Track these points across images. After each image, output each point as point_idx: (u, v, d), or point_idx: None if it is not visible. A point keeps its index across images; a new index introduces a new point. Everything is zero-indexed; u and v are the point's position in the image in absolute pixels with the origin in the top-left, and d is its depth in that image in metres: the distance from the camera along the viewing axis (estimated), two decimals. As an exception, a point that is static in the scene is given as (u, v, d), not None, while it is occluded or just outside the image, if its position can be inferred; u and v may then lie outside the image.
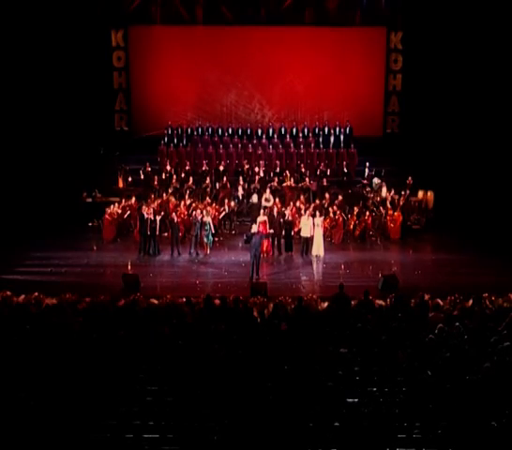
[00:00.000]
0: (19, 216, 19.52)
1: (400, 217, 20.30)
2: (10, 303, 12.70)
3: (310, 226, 18.52)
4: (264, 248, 18.14)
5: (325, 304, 13.13)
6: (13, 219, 19.29)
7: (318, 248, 18.53)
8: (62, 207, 20.64)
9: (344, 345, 9.69)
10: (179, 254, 18.46)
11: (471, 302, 12.63)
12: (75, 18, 22.67)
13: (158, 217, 18.55)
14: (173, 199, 20.68)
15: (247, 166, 22.84)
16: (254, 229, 17.14)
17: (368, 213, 20.35)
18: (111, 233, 19.86)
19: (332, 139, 24.15)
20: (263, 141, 24.02)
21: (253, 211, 20.38)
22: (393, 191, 21.45)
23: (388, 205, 20.68)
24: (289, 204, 20.14)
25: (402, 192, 21.38)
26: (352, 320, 11.24)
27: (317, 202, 20.50)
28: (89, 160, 22.67)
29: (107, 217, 19.83)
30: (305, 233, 18.55)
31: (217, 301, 12.61)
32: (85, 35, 23.10)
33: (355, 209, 20.43)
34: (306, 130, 24.33)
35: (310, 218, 18.66)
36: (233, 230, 20.55)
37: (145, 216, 18.53)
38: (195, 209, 19.27)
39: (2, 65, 21.08)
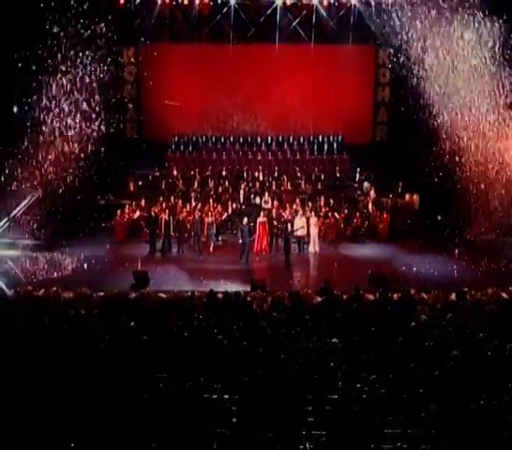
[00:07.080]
0: (41, 218, 19.50)
1: (388, 219, 20.35)
2: (31, 297, 12.70)
3: (303, 226, 18.67)
4: (263, 247, 18.42)
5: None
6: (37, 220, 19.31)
7: (313, 246, 18.83)
8: (79, 209, 20.58)
9: (336, 336, 9.68)
10: (183, 252, 18.57)
11: (453, 296, 12.62)
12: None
13: (166, 219, 18.63)
14: (179, 201, 20.72)
15: (247, 171, 22.91)
16: (245, 221, 18.08)
17: (358, 214, 20.38)
18: (122, 234, 19.89)
19: (326, 146, 24.33)
20: (263, 148, 24.14)
21: (254, 211, 20.40)
22: (380, 194, 21.49)
23: (376, 207, 20.70)
24: (286, 206, 20.21)
25: (390, 195, 21.44)
26: (342, 312, 11.24)
27: (310, 204, 20.57)
28: (103, 166, 22.60)
29: (118, 218, 19.86)
30: (299, 233, 18.68)
31: (219, 295, 12.63)
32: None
33: (346, 211, 20.49)
34: (301, 139, 24.40)
35: (304, 219, 18.81)
36: (235, 230, 20.55)
37: (154, 217, 18.61)
38: (200, 211, 19.34)
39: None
